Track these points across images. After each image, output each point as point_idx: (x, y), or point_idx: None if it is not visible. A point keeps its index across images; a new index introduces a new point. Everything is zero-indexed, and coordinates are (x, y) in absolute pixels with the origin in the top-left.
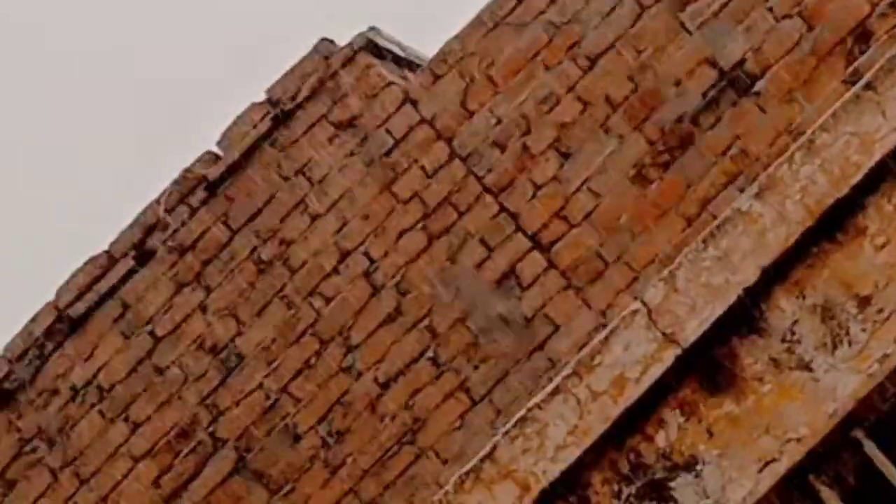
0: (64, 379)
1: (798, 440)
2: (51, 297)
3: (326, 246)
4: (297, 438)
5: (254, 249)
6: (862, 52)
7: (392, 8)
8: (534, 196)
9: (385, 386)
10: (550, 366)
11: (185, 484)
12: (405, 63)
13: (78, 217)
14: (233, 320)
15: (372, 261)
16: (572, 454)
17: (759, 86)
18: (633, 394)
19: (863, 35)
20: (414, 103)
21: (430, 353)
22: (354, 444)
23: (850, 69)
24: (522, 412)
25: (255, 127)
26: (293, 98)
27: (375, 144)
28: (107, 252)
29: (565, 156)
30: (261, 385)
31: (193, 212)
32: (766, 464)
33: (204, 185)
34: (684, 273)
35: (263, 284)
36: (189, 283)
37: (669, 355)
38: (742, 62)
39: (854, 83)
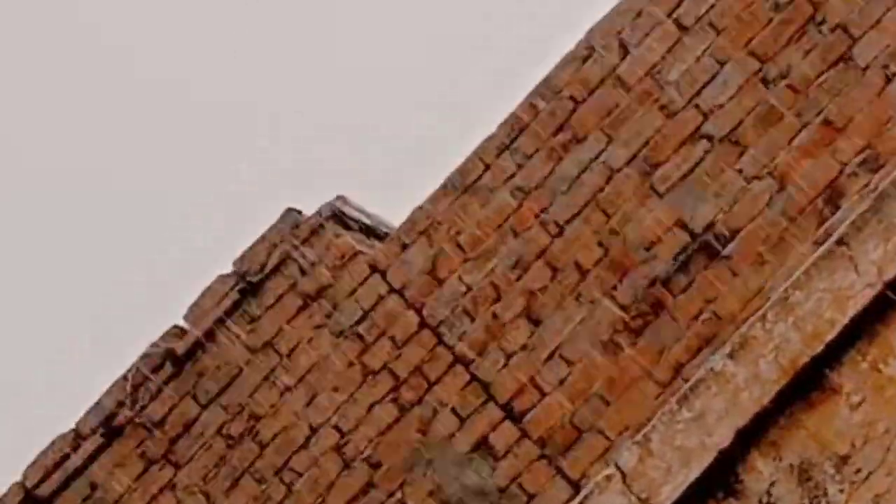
0: None
1: None
2: (18, 476)
3: (296, 420)
4: None
5: (223, 424)
6: (833, 213)
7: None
8: (505, 365)
9: None
10: None
11: None
12: (372, 231)
13: None
14: (203, 498)
15: (343, 434)
16: None
17: (729, 249)
18: None
19: (833, 195)
20: (382, 273)
21: None
22: None
23: (821, 230)
24: None
25: (222, 299)
26: (260, 270)
27: (344, 315)
28: (74, 430)
29: (536, 323)
30: None
31: (161, 387)
32: None
33: (171, 360)
34: (658, 436)
35: (233, 460)
36: (158, 461)
37: None
38: (712, 224)
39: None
